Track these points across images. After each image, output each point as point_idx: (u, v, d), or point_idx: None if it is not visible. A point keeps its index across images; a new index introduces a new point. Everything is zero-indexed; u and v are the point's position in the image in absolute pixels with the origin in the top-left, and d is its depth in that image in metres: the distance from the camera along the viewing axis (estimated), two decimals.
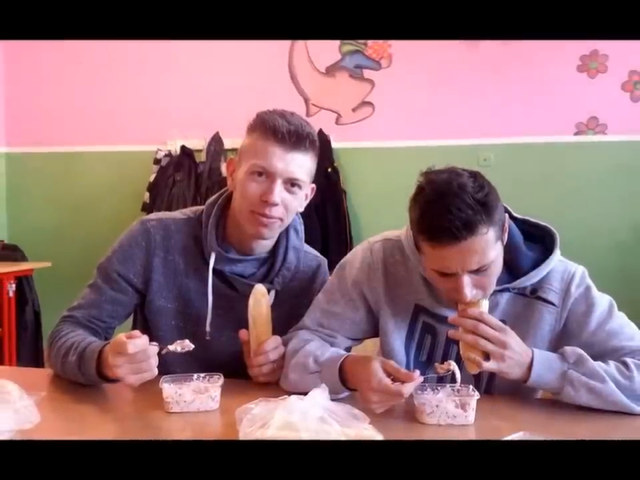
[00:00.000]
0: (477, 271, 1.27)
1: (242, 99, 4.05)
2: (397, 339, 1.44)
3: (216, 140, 4.19)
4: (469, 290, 1.27)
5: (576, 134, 3.99)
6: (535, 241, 1.43)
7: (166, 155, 4.25)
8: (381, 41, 4.16)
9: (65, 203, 4.54)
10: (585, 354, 1.29)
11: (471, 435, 1.20)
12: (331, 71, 4.25)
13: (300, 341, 1.43)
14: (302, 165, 1.45)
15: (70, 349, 1.40)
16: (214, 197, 1.59)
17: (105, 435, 1.19)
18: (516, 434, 1.10)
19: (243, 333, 1.46)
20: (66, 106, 4.50)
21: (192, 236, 1.56)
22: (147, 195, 4.21)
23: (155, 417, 1.27)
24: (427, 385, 1.27)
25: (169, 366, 1.40)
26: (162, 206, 4.04)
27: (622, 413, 1.27)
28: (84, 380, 1.39)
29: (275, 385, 1.42)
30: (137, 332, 1.27)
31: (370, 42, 4.19)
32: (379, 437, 1.05)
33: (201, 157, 4.22)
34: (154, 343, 1.27)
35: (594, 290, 1.40)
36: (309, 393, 1.09)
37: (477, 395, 1.24)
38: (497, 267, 1.31)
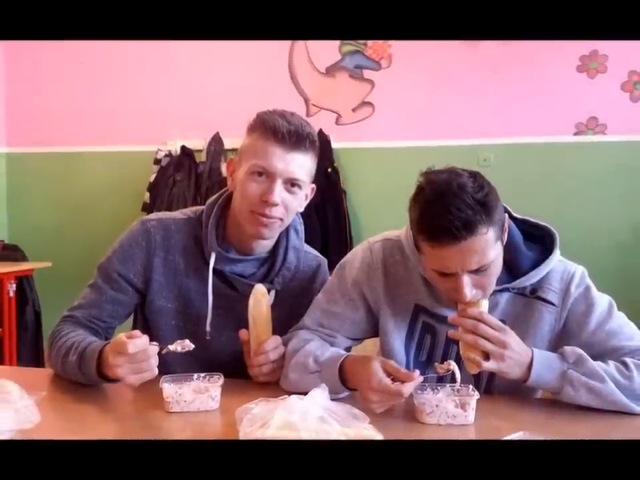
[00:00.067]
0: (476, 271, 1.27)
1: (242, 98, 4.05)
2: (397, 338, 1.44)
3: (216, 140, 4.19)
4: (468, 290, 1.27)
5: (576, 134, 3.99)
6: (535, 241, 1.43)
7: (166, 155, 4.26)
8: (380, 41, 4.15)
9: (65, 202, 4.54)
10: (585, 354, 1.29)
11: (471, 435, 1.20)
12: (331, 71, 4.25)
13: (300, 341, 1.43)
14: (302, 165, 1.45)
15: (70, 349, 1.41)
16: (214, 197, 1.59)
17: (105, 435, 1.19)
18: (516, 434, 1.11)
19: (243, 333, 1.46)
20: (66, 106, 4.51)
21: (192, 236, 1.56)
22: (147, 195, 4.21)
23: (155, 416, 1.27)
24: (426, 384, 1.27)
25: (169, 366, 1.41)
26: (162, 206, 4.04)
27: (622, 412, 1.27)
28: (84, 380, 1.39)
29: (275, 384, 1.42)
30: (137, 332, 1.27)
31: (370, 42, 4.18)
32: (378, 436, 1.05)
33: (201, 157, 4.22)
34: (154, 343, 1.27)
35: (594, 290, 1.40)
36: (309, 393, 1.09)
37: (476, 395, 1.24)
38: (497, 267, 1.31)
